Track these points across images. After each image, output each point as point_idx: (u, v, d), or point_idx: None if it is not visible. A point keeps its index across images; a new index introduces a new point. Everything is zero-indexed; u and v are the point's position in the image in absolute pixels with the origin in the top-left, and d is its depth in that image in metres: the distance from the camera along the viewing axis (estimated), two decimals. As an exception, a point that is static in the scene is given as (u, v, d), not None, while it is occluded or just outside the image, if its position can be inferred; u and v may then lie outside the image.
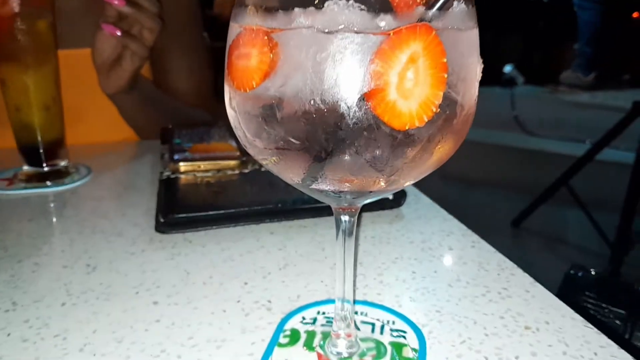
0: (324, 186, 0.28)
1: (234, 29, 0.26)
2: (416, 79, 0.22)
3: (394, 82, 0.22)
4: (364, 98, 0.23)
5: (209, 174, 0.62)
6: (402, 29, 0.22)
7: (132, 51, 0.69)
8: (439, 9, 0.25)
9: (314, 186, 0.29)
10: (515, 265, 0.45)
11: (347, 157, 0.24)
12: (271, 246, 0.49)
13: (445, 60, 0.23)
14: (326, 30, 0.23)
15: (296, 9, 0.23)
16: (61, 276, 0.44)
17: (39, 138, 0.64)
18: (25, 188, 0.63)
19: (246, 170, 0.63)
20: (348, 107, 0.23)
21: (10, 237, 0.51)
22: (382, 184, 0.27)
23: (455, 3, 0.25)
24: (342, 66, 0.23)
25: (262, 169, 0.63)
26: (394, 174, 0.26)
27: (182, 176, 0.61)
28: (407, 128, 0.23)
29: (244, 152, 0.65)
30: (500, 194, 2.61)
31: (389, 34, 0.22)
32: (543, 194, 1.97)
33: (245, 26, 0.25)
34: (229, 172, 0.62)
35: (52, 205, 0.60)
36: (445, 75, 0.23)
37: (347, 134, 0.23)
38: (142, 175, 0.69)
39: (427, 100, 0.23)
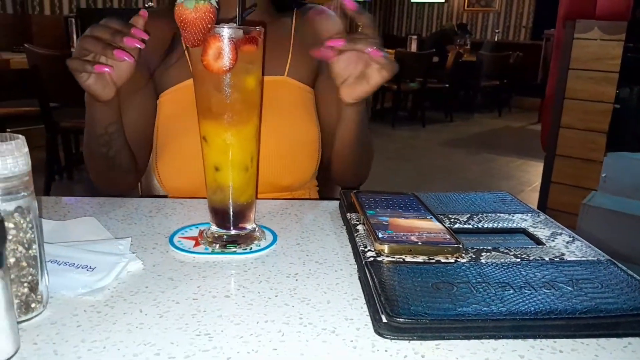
0: None
1: None
2: None
3: None
4: None
5: (419, 259, 0.53)
6: None
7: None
8: None
9: None
10: None
11: None
12: (530, 379, 0.38)
13: None
14: None
15: None
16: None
17: (232, 200, 0.59)
18: (213, 252, 0.58)
19: (462, 260, 0.53)
20: None
21: (210, 321, 0.45)
22: None
23: None
24: None
25: (482, 261, 0.53)
26: None
27: (387, 259, 0.53)
28: None
29: (457, 238, 0.55)
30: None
31: None
32: None
33: None
34: (443, 260, 0.53)
35: (244, 277, 0.54)
36: None
37: None
38: (330, 245, 0.62)
39: None
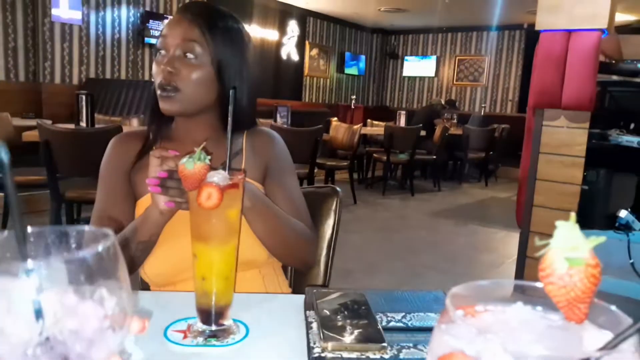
0: None
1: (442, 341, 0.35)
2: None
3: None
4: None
5: (353, 355, 0.70)
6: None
7: None
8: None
9: None
10: None
11: None
12: None
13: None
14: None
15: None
16: None
17: (214, 302, 0.76)
18: (197, 345, 0.75)
19: (386, 356, 0.70)
20: None
21: (193, 401, 0.61)
22: None
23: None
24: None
25: (402, 357, 0.70)
26: None
27: (329, 355, 0.70)
28: None
29: (383, 338, 0.73)
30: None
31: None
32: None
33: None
34: (371, 356, 0.70)
35: (220, 366, 0.70)
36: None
37: None
38: (292, 339, 0.78)
39: None
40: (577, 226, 0.35)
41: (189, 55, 1.03)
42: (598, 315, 0.36)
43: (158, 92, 1.05)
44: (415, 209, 5.87)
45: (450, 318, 0.35)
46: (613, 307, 0.35)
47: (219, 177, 0.74)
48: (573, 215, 0.35)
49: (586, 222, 3.27)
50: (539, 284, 0.36)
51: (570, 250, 0.34)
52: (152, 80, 1.09)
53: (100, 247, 0.34)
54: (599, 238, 0.34)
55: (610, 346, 0.31)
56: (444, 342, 0.35)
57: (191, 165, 0.70)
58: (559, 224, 0.36)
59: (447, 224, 5.27)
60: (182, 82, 1.03)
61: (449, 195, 6.80)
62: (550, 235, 0.35)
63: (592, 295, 0.35)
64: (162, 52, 1.05)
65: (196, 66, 1.04)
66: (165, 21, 1.11)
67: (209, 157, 0.73)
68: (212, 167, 0.75)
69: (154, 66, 1.07)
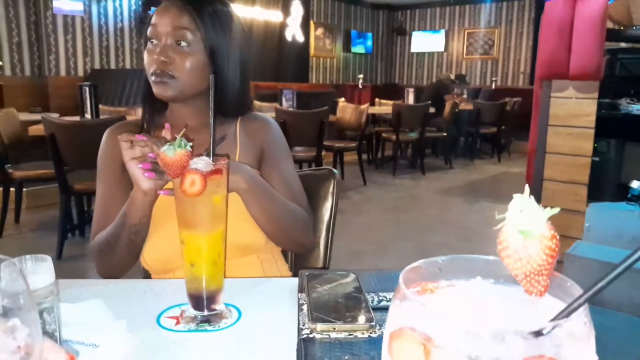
0: None
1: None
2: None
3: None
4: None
5: (341, 335, 0.70)
6: None
7: None
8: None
9: None
10: None
11: None
12: None
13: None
14: None
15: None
16: None
17: (204, 288, 0.77)
18: (189, 330, 0.75)
19: (374, 335, 0.70)
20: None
21: (181, 385, 0.62)
22: None
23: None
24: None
25: (389, 335, 0.70)
26: None
27: (318, 335, 0.70)
28: None
29: (372, 317, 0.73)
30: (630, 320, 2.40)
31: None
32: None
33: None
34: (359, 335, 0.70)
35: (213, 352, 0.71)
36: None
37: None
38: (283, 321, 0.78)
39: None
40: (532, 198, 0.34)
41: (182, 44, 1.03)
42: (559, 289, 0.35)
43: (152, 78, 1.04)
44: (426, 188, 5.84)
45: (403, 295, 0.35)
46: (570, 281, 0.34)
47: (202, 163, 0.73)
48: (527, 187, 0.34)
49: (597, 194, 3.23)
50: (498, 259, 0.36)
51: (525, 223, 0.33)
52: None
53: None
54: (553, 209, 0.33)
55: (561, 317, 0.30)
56: (396, 319, 0.35)
57: (171, 153, 0.70)
58: (516, 196, 0.35)
59: (459, 201, 5.24)
60: (177, 71, 1.03)
61: (461, 173, 6.75)
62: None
63: (550, 268, 0.34)
64: (154, 41, 1.05)
65: (190, 54, 1.03)
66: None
67: (190, 143, 0.72)
68: (198, 154, 0.75)
69: (146, 55, 1.06)
